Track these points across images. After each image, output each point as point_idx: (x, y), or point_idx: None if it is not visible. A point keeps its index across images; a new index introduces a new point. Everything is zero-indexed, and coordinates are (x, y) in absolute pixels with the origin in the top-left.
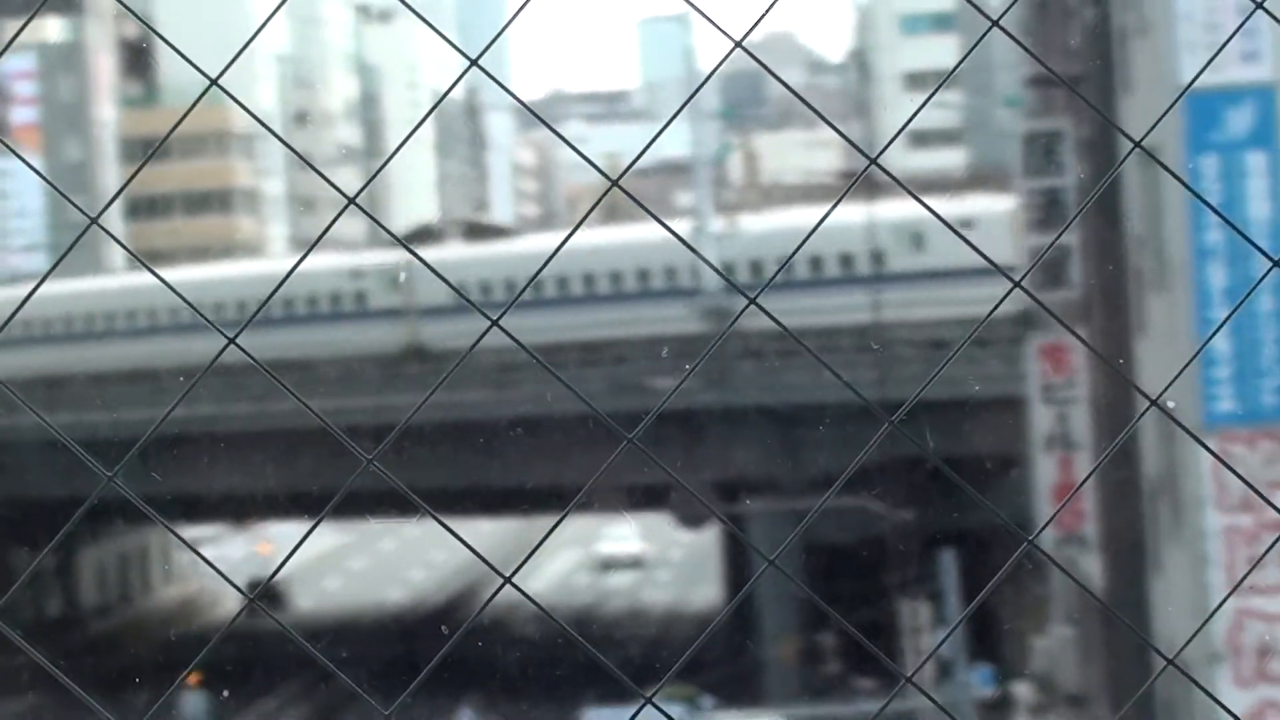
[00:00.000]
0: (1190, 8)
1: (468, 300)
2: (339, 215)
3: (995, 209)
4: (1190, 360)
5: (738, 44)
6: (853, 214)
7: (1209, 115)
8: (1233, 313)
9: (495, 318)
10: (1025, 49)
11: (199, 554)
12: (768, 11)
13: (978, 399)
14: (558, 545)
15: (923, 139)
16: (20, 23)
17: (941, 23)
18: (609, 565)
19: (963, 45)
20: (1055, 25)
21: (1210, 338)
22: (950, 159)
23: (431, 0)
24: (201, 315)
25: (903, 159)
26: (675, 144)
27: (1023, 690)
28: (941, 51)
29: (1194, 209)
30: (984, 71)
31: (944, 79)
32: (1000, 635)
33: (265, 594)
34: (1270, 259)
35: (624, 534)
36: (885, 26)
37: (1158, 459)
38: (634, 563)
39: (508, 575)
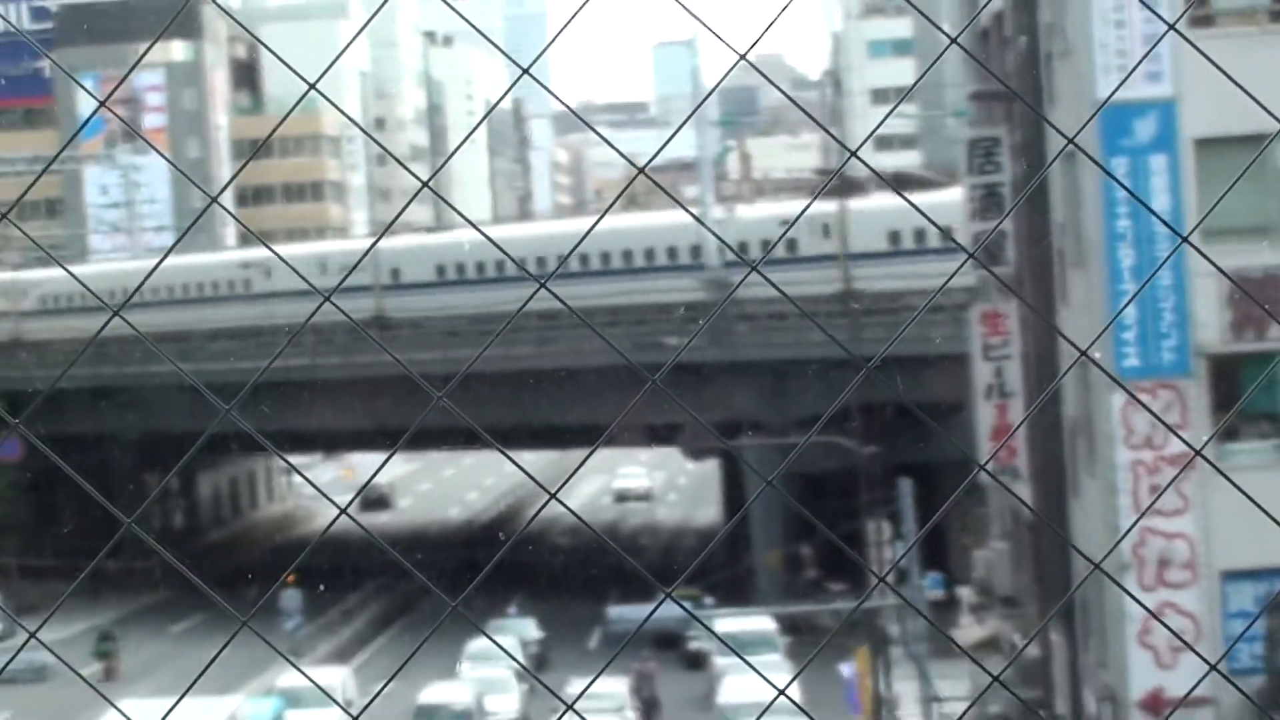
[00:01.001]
0: (1104, 37)
1: (525, 270)
2: (412, 199)
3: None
4: (1110, 323)
5: (742, 57)
6: (828, 205)
7: (1120, 125)
8: (1144, 284)
9: (543, 281)
10: (981, 64)
11: (303, 475)
12: (766, 30)
13: (933, 355)
14: (585, 475)
15: (887, 143)
16: (150, 44)
17: (901, 48)
18: (623, 498)
19: (919, 66)
20: (994, 50)
21: (1128, 302)
22: (909, 159)
23: (485, 27)
24: (305, 279)
25: (869, 159)
26: (683, 146)
27: (965, 592)
28: (901, 71)
29: (1107, 201)
30: (936, 89)
31: (904, 95)
32: (948, 548)
33: (376, 499)
34: (1180, 235)
35: (636, 473)
36: (855, 50)
37: (1076, 405)
38: (643, 496)
39: (553, 492)
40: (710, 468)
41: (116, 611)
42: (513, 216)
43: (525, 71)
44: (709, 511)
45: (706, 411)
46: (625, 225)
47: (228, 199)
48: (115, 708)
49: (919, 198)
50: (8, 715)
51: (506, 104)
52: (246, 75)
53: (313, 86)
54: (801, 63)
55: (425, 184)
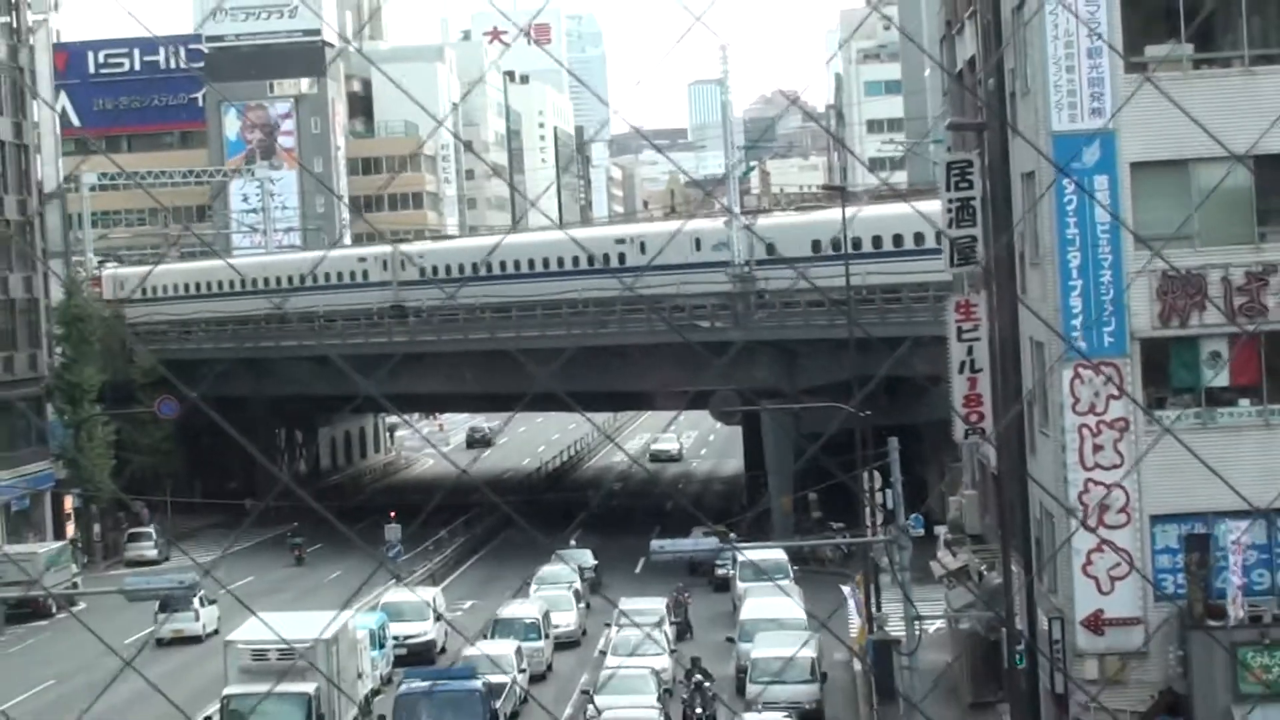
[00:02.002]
0: (1058, 79)
1: (609, 270)
2: (534, 202)
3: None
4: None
5: (792, 102)
6: (833, 214)
7: (1070, 150)
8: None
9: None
10: (953, 81)
11: (420, 432)
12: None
13: (918, 336)
14: (633, 435)
15: (879, 163)
16: (283, 81)
17: (892, 87)
18: (657, 458)
19: (906, 102)
20: (968, 88)
21: (1125, 288)
22: (897, 178)
23: (554, 68)
24: (411, 268)
25: (865, 177)
26: (714, 165)
27: (942, 530)
28: (892, 106)
29: (1060, 212)
30: (920, 120)
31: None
32: (927, 494)
33: (481, 438)
34: (1142, 240)
35: (669, 438)
36: (854, 88)
37: (1034, 377)
38: (674, 458)
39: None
40: (734, 429)
41: (251, 541)
42: (576, 222)
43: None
44: (733, 464)
45: (731, 382)
46: (667, 229)
47: (344, 207)
48: (254, 613)
49: (906, 208)
50: None
51: (570, 128)
52: (361, 106)
53: (440, 124)
54: (811, 97)
55: (533, 204)
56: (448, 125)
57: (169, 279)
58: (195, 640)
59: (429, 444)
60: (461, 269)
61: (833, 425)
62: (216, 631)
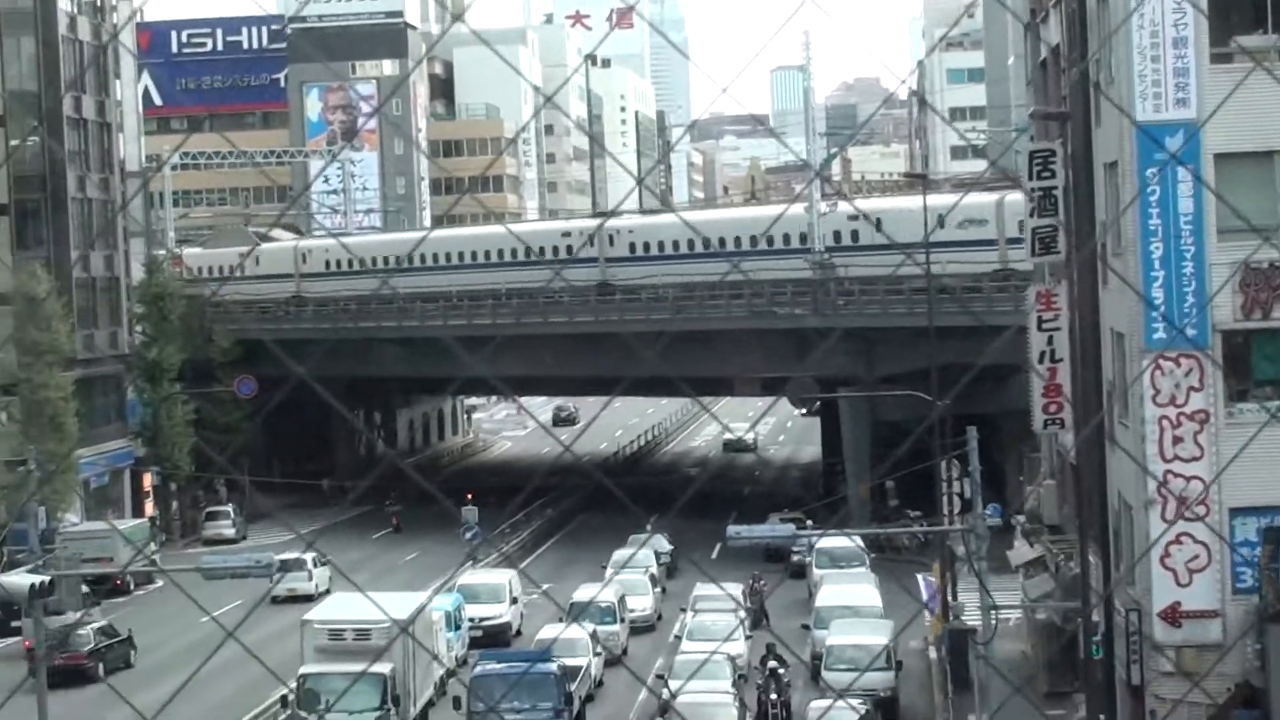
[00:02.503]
0: (1142, 69)
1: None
2: (632, 190)
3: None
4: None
5: (900, 92)
6: (914, 201)
7: (1154, 141)
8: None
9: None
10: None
11: (528, 411)
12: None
13: (999, 326)
14: (709, 421)
15: (961, 152)
16: (365, 63)
17: (975, 75)
18: (730, 448)
19: (988, 90)
20: (1052, 77)
21: (1208, 299)
22: (979, 166)
23: (635, 52)
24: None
25: (947, 165)
26: (796, 151)
27: (1019, 520)
28: (974, 94)
29: (1143, 203)
30: (1003, 109)
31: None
32: (1005, 484)
33: (567, 417)
34: (1256, 228)
35: (741, 429)
36: (937, 75)
37: (1114, 369)
38: (748, 448)
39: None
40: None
41: (328, 521)
42: (655, 208)
43: (723, 90)
44: (810, 450)
45: (809, 369)
46: (748, 215)
47: (425, 189)
48: (355, 585)
49: (988, 198)
50: None
51: (651, 113)
52: (442, 88)
53: (549, 100)
54: (893, 84)
55: (639, 181)
56: (528, 109)
57: (263, 258)
58: (308, 599)
59: (543, 429)
60: (555, 251)
61: (923, 419)
62: (328, 591)
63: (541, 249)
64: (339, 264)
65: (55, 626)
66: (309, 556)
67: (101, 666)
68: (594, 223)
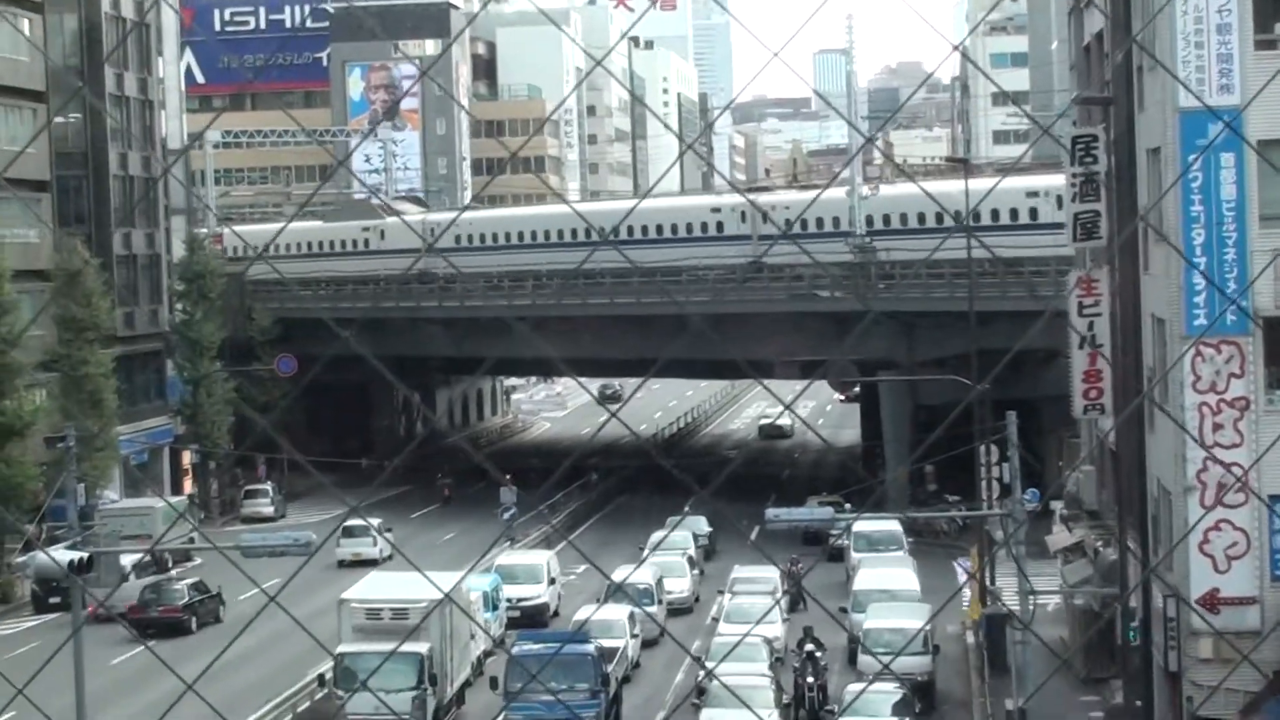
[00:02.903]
0: (1186, 55)
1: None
2: (672, 165)
3: (1052, 184)
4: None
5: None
6: (955, 185)
7: (1197, 127)
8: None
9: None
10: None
11: (582, 384)
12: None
13: (1038, 310)
14: (750, 403)
15: (1004, 137)
16: (406, 41)
17: (1018, 59)
18: (766, 434)
19: (1032, 75)
20: (1095, 63)
21: (1248, 284)
22: (1020, 151)
23: (678, 35)
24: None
25: (989, 150)
26: (838, 135)
27: (1057, 505)
28: (1018, 79)
29: (1184, 188)
30: (1046, 94)
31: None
32: (1044, 469)
33: (611, 394)
34: None
35: (777, 412)
36: (980, 60)
37: (1154, 355)
38: (783, 434)
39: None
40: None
41: (364, 500)
42: (697, 189)
43: (775, 55)
44: (849, 434)
45: (849, 352)
46: (789, 198)
47: (467, 169)
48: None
49: (1031, 181)
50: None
51: (693, 95)
52: (485, 68)
53: (599, 63)
54: (937, 70)
55: (686, 147)
56: (568, 90)
57: (304, 237)
58: (373, 563)
59: (595, 399)
60: (589, 234)
61: (949, 397)
62: (390, 557)
63: (690, 225)
64: (471, 239)
65: (148, 582)
66: (375, 522)
67: (195, 620)
68: (743, 199)
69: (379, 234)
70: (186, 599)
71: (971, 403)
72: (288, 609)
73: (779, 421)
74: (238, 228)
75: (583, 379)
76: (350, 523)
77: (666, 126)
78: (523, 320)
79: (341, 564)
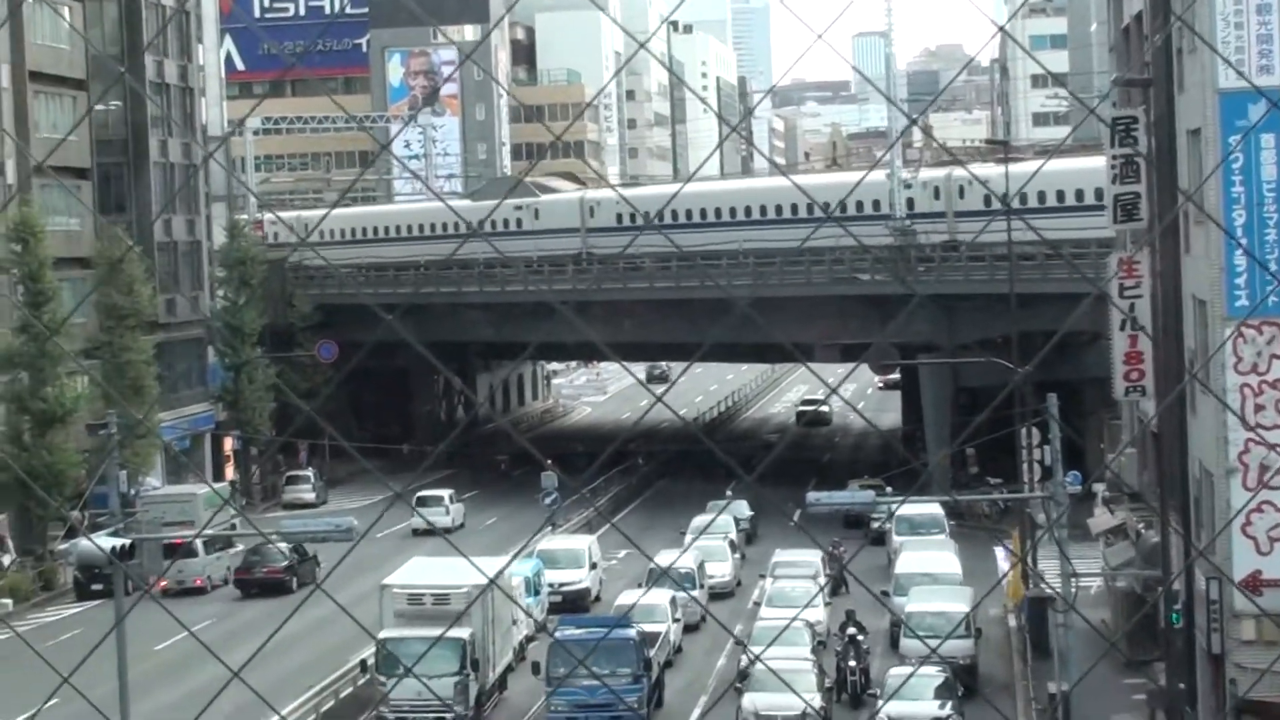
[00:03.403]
0: (1226, 35)
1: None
2: (715, 149)
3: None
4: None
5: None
6: (995, 169)
7: (1237, 108)
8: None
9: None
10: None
11: (627, 369)
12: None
13: (1079, 293)
14: (792, 386)
15: (1044, 119)
16: (447, 28)
17: (1057, 41)
18: (804, 421)
19: (1071, 57)
20: (1134, 45)
21: None
22: (1061, 133)
23: (717, 18)
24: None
25: (1029, 132)
26: (877, 118)
27: (1099, 488)
28: (1057, 60)
29: (1225, 170)
30: (1086, 75)
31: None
32: (1085, 452)
33: (659, 375)
34: None
35: (817, 398)
36: (1020, 41)
37: (1195, 336)
38: (822, 420)
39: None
40: (892, 379)
41: (406, 485)
42: (736, 173)
43: (819, 38)
44: (890, 417)
45: (889, 335)
46: (829, 182)
47: (506, 154)
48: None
49: (1069, 163)
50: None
51: (731, 79)
52: (524, 53)
53: (642, 45)
54: (975, 50)
55: (732, 130)
56: (610, 74)
57: (342, 223)
58: (447, 531)
59: (640, 384)
60: (632, 218)
61: (990, 379)
62: (462, 525)
63: (860, 204)
64: (634, 218)
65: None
66: (445, 493)
67: (295, 580)
68: (941, 172)
69: (533, 213)
70: (287, 561)
71: (1015, 384)
72: (333, 594)
73: (819, 409)
74: (466, 202)
75: (624, 363)
76: (423, 493)
77: (711, 109)
78: (565, 305)
79: (416, 532)
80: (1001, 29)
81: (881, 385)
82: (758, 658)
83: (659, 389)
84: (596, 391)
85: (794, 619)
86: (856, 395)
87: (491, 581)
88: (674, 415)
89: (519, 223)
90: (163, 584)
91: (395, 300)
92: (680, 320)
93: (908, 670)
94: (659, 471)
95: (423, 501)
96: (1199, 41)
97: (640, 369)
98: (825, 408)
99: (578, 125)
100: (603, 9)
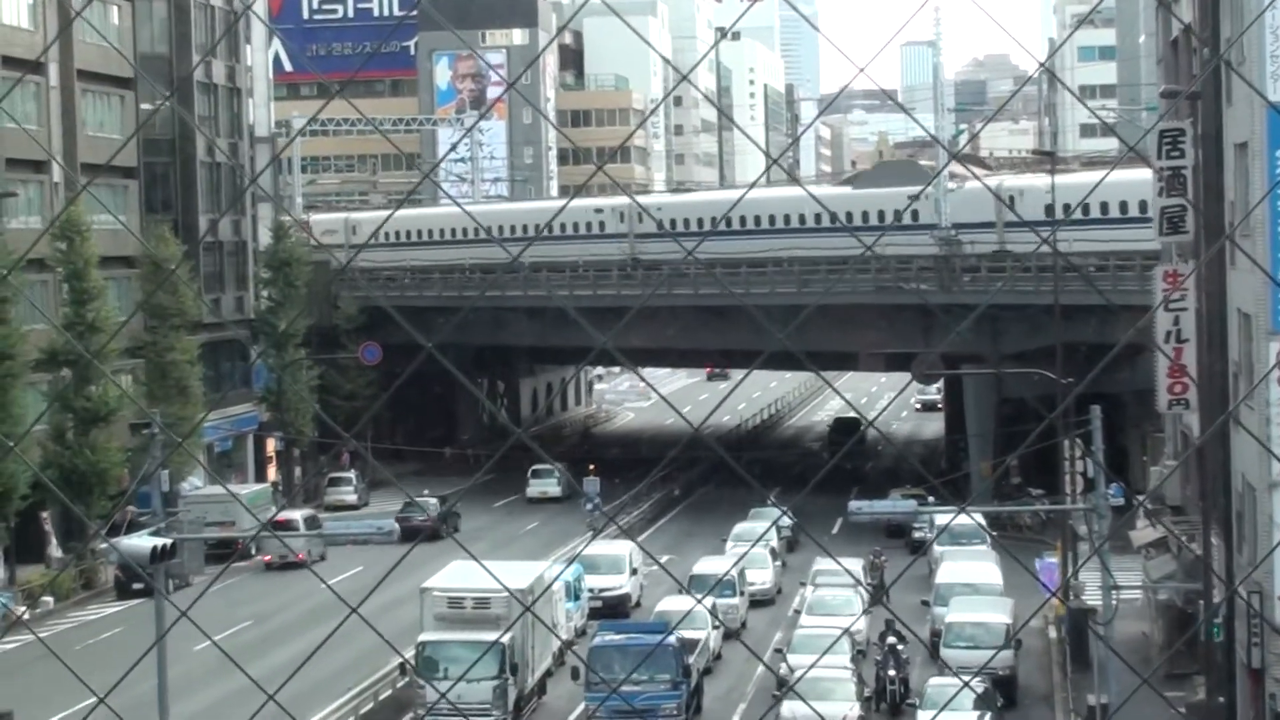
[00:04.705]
0: (1275, 48)
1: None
2: (770, 167)
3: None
4: None
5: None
6: (1043, 180)
7: None
8: None
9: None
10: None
11: (651, 386)
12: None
13: (1124, 305)
14: (833, 396)
15: (1090, 130)
16: (494, 31)
17: (1106, 53)
18: (838, 430)
19: (1120, 68)
20: (1183, 57)
21: None
22: (1108, 144)
23: (764, 25)
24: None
25: (1075, 144)
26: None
27: (1142, 501)
28: (1105, 72)
29: (1271, 183)
30: (1133, 87)
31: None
32: (1128, 464)
33: (720, 375)
34: None
35: (850, 411)
36: (1068, 52)
37: (1240, 350)
38: (854, 430)
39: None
40: (934, 390)
41: (449, 488)
42: (783, 181)
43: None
44: (933, 427)
45: (934, 344)
46: (875, 191)
47: (553, 159)
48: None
49: (1115, 176)
50: None
51: (780, 86)
52: (572, 58)
53: (684, 77)
54: (1024, 61)
55: (775, 161)
56: (657, 80)
57: (389, 225)
58: (556, 500)
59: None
60: (674, 224)
61: (1034, 390)
62: (570, 495)
63: (915, 213)
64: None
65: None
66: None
67: (452, 530)
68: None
69: (617, 216)
70: (437, 512)
71: (1055, 397)
72: (373, 597)
73: (851, 424)
74: (776, 193)
75: (667, 369)
76: (537, 466)
77: (734, 125)
78: (603, 311)
79: (530, 500)
80: (1044, 66)
81: (919, 406)
82: (791, 671)
83: (718, 388)
84: (640, 397)
85: (844, 632)
86: (901, 403)
87: (528, 609)
88: (720, 419)
89: (601, 225)
90: (268, 558)
91: (440, 304)
92: (726, 328)
93: (947, 680)
94: (702, 476)
95: (536, 473)
96: (1248, 53)
97: (683, 375)
98: (859, 423)
99: (624, 130)
100: (632, 25)
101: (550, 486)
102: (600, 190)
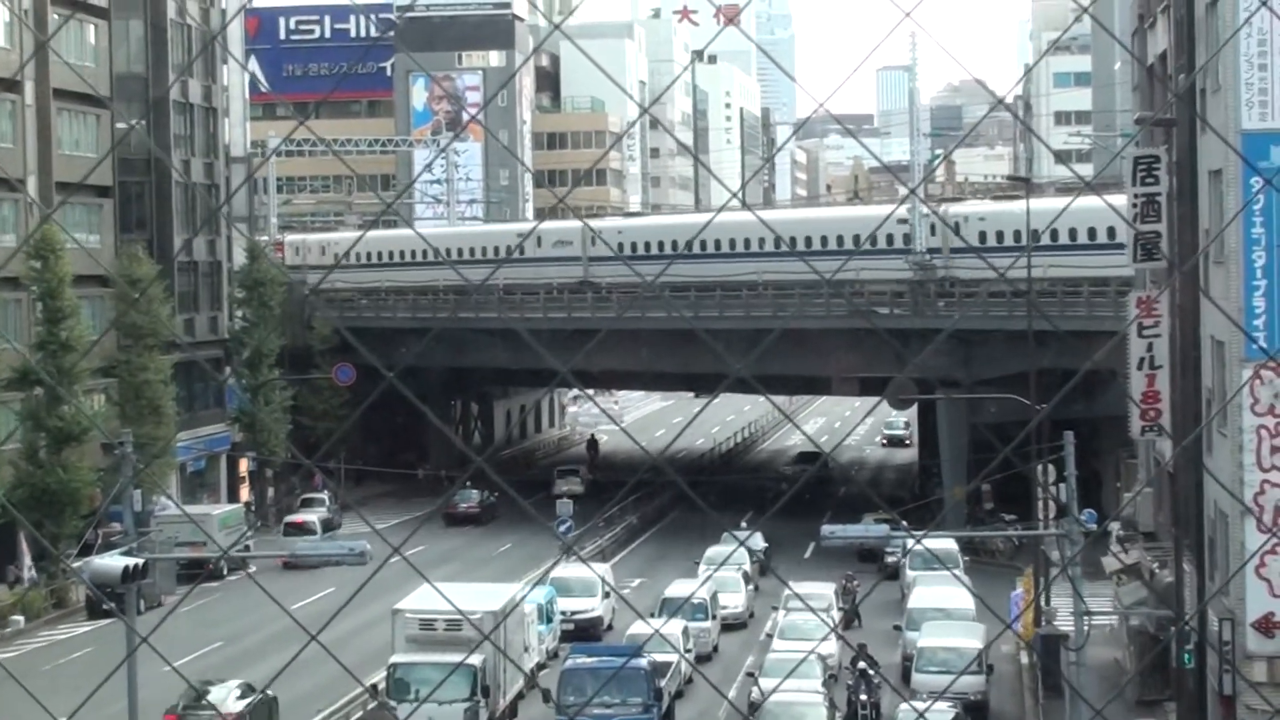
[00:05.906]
0: (1249, 77)
1: (789, 250)
2: (730, 200)
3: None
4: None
5: (1002, 101)
6: (1017, 205)
7: (1259, 149)
8: None
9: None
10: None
11: (610, 417)
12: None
13: (1097, 330)
14: (811, 417)
15: (1065, 156)
16: (471, 52)
17: (1081, 79)
18: (806, 460)
19: (1095, 95)
20: (1158, 85)
21: None
22: (1082, 171)
23: (743, 49)
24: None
25: (1050, 169)
26: (900, 152)
27: (1114, 526)
28: (1080, 98)
29: (1246, 211)
30: (1108, 114)
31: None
32: (1101, 490)
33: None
34: None
35: (812, 451)
36: (1044, 79)
37: (1213, 377)
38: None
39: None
40: (909, 415)
41: (422, 510)
42: (759, 204)
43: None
44: (906, 452)
45: (907, 369)
46: (850, 215)
47: (529, 181)
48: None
49: (1090, 202)
50: None
51: (756, 110)
52: (548, 80)
53: (646, 110)
54: (999, 87)
55: (734, 195)
56: (634, 104)
57: (361, 246)
58: (577, 498)
59: (625, 433)
60: (648, 247)
61: (1020, 422)
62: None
63: (889, 237)
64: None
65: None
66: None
67: (490, 517)
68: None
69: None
70: (478, 501)
71: (1029, 422)
72: (344, 619)
73: (813, 451)
74: (843, 212)
75: (640, 392)
76: (562, 468)
77: (681, 147)
78: (576, 334)
79: (558, 496)
80: (1001, 101)
81: (884, 442)
82: (763, 695)
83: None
84: (617, 417)
85: (808, 654)
86: (874, 427)
87: (487, 638)
88: (693, 442)
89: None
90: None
91: (413, 325)
92: (697, 351)
93: (919, 705)
94: (675, 500)
95: (562, 474)
96: (1222, 81)
97: (657, 399)
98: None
99: (599, 153)
100: (608, 47)
101: (574, 485)
102: (574, 213)
